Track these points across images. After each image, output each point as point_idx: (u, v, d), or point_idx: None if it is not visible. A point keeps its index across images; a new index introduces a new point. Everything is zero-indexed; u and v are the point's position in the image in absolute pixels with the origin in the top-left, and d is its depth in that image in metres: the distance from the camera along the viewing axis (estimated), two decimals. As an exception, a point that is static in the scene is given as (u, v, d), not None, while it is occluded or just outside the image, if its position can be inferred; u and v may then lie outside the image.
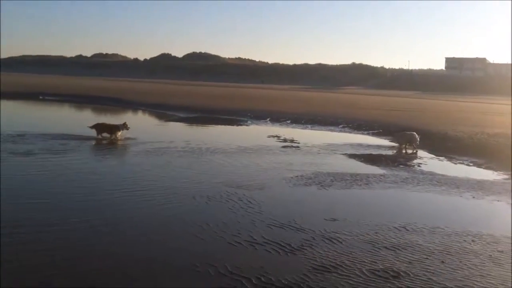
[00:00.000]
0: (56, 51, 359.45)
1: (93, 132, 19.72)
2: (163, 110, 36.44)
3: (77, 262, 7.26)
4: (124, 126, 19.79)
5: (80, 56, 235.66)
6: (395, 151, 20.06)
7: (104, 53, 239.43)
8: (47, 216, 9.25)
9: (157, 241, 8.26)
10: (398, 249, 8.28)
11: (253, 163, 15.89)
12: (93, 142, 18.70)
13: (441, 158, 18.81)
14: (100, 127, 19.96)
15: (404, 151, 20.23)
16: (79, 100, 45.93)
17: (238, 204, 10.67)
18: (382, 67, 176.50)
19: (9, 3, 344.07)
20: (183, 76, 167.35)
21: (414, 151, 20.20)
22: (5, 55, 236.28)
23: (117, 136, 19.67)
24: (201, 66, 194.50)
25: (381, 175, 14.62)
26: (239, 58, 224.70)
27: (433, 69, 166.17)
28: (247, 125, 28.61)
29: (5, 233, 8.14)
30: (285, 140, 21.72)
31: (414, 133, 20.93)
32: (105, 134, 19.80)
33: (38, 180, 12.41)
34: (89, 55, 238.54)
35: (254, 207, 10.47)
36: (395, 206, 11.53)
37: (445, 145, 21.33)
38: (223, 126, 27.39)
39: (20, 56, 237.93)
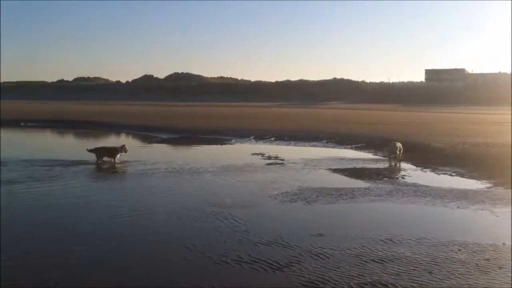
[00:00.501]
0: (37, 77, 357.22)
1: (92, 156, 19.52)
2: (146, 132, 36.33)
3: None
4: (122, 149, 19.76)
5: (61, 81, 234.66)
6: (386, 164, 20.16)
7: (86, 76, 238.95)
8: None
9: (142, 263, 8.16)
10: (385, 261, 8.29)
11: (238, 181, 15.86)
12: (79, 168, 18.48)
13: (424, 169, 18.93)
14: (100, 151, 19.78)
15: (393, 163, 20.65)
16: (61, 125, 45.60)
17: (224, 223, 10.62)
18: (363, 81, 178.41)
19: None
20: (166, 97, 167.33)
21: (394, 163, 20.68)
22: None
23: (116, 159, 19.58)
24: (184, 86, 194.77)
25: (366, 189, 14.67)
26: (221, 77, 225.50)
27: (413, 82, 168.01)
28: (231, 144, 28.61)
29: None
30: (269, 157, 21.74)
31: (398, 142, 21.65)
32: (105, 158, 19.68)
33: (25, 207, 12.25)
34: (70, 79, 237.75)
35: (240, 226, 10.43)
36: (381, 219, 11.54)
37: (428, 156, 21.50)
38: (207, 146, 27.35)
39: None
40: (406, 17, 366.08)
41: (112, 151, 19.80)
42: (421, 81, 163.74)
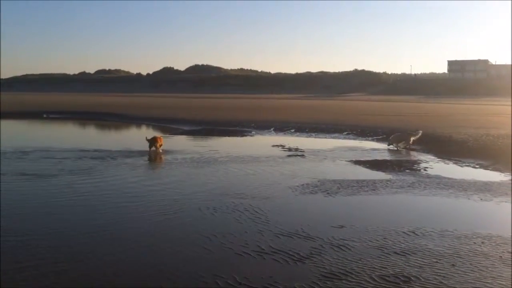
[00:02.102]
0: (59, 69, 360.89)
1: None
2: (167, 124, 36.48)
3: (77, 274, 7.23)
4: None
5: (83, 73, 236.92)
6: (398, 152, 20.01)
7: (107, 69, 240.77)
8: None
9: (164, 253, 8.21)
10: (407, 254, 8.21)
11: (258, 172, 15.86)
12: (97, 161, 18.64)
13: (447, 161, 18.71)
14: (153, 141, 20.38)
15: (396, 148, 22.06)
16: (83, 116, 46.12)
17: (244, 214, 10.62)
18: (384, 73, 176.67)
19: (11, 22, 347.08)
20: (186, 89, 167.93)
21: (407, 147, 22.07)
22: (8, 74, 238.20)
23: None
24: (204, 78, 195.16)
25: (388, 180, 14.55)
26: (241, 69, 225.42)
27: (435, 73, 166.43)
28: (251, 136, 28.61)
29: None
30: (289, 149, 21.68)
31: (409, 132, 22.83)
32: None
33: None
34: (92, 71, 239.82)
35: (260, 217, 10.42)
36: (403, 211, 11.44)
37: (451, 148, 21.24)
38: (227, 138, 27.38)
39: (23, 75, 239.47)
40: (429, 8, 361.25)
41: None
42: (444, 72, 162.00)
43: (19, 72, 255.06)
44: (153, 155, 19.67)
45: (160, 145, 20.40)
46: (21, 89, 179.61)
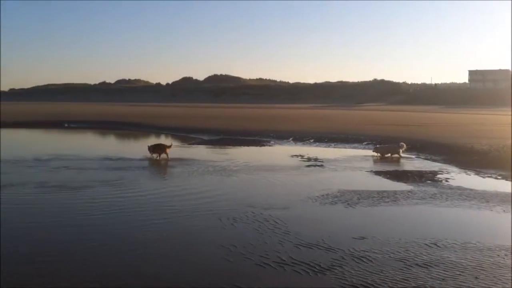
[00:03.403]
0: (80, 79, 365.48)
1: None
2: (186, 133, 36.64)
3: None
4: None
5: (104, 83, 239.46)
6: (419, 166, 19.82)
7: (127, 79, 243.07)
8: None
9: (184, 263, 8.22)
10: (430, 266, 8.11)
11: (277, 183, 15.84)
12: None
13: (468, 172, 18.48)
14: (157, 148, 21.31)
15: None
16: (103, 126, 46.57)
17: (264, 225, 10.60)
18: (404, 83, 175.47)
19: (33, 32, 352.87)
20: (205, 98, 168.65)
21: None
22: (30, 84, 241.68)
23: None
24: (223, 88, 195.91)
25: (409, 191, 14.42)
26: (260, 79, 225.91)
27: (456, 83, 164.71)
28: (270, 145, 28.60)
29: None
30: (308, 159, 21.62)
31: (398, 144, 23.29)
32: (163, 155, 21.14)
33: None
34: (112, 81, 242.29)
35: (280, 228, 10.38)
36: (425, 223, 11.31)
37: (472, 158, 20.99)
38: (246, 147, 27.39)
39: (44, 85, 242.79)
40: (449, 17, 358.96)
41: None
42: (465, 82, 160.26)
43: (41, 82, 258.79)
44: (157, 161, 20.49)
45: (161, 154, 21.01)
46: (43, 98, 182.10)
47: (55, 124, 47.33)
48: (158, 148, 21.28)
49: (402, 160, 21.89)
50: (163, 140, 32.33)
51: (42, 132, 40.93)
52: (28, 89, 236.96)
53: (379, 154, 22.98)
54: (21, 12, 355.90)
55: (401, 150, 22.90)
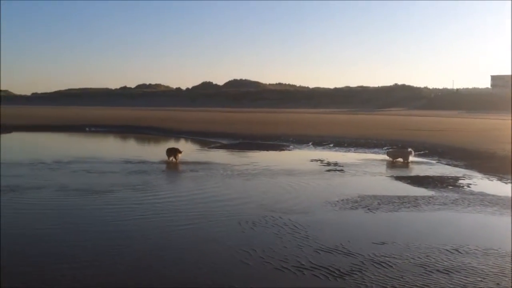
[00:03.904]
0: (101, 84, 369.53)
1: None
2: (206, 138, 36.77)
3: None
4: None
5: (124, 88, 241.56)
6: (439, 172, 19.61)
7: (148, 83, 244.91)
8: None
9: (204, 266, 8.24)
10: (451, 272, 8.02)
11: (297, 187, 15.80)
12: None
13: (490, 177, 18.24)
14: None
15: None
16: (124, 130, 46.98)
17: (283, 229, 10.58)
18: (425, 87, 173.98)
19: (55, 37, 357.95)
20: (224, 103, 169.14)
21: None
22: (52, 89, 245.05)
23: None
24: (242, 92, 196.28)
25: (430, 197, 14.28)
26: (280, 84, 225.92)
27: (478, 88, 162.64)
28: (289, 150, 28.55)
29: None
30: (328, 164, 21.54)
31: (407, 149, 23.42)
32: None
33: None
34: (133, 86, 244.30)
35: (300, 232, 10.36)
36: (446, 228, 11.18)
37: (494, 164, 20.71)
38: (265, 152, 27.38)
39: (66, 90, 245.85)
40: (472, 21, 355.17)
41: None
42: (487, 88, 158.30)
43: (63, 87, 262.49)
44: (172, 164, 20.79)
45: (178, 156, 21.68)
46: (65, 103, 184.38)
47: (77, 128, 47.88)
48: (171, 152, 21.90)
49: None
50: (182, 144, 32.52)
51: (65, 136, 41.39)
52: (50, 93, 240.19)
53: (390, 158, 23.04)
54: (43, 17, 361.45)
55: (409, 156, 22.80)
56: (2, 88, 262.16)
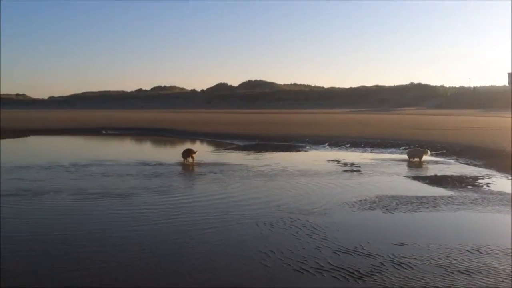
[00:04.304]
0: (117, 87, 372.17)
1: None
2: (221, 139, 36.84)
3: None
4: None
5: (140, 90, 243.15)
6: (460, 169, 19.42)
7: (163, 85, 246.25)
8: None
9: (222, 268, 8.24)
10: (472, 272, 7.93)
11: (314, 188, 15.74)
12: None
13: (510, 177, 18.02)
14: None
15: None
16: (140, 132, 47.28)
17: (301, 230, 10.55)
18: (442, 86, 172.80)
19: (72, 41, 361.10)
20: (239, 104, 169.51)
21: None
22: (69, 92, 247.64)
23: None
24: (257, 93, 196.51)
25: (449, 197, 14.14)
26: (295, 84, 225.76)
27: (495, 86, 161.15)
28: (305, 151, 28.47)
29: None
30: (345, 164, 21.45)
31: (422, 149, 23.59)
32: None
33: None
34: (148, 88, 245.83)
35: (318, 233, 10.32)
36: (466, 228, 11.08)
37: (514, 163, 20.44)
38: (281, 153, 27.32)
39: (83, 93, 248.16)
40: (489, 18, 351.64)
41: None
42: (504, 85, 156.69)
43: (79, 90, 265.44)
44: (187, 165, 21.07)
45: (189, 158, 22.04)
46: (81, 106, 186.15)
47: (93, 131, 48.29)
48: (187, 153, 22.23)
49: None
50: (198, 145, 32.60)
51: (82, 139, 41.71)
52: (66, 96, 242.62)
53: (409, 158, 23.04)
54: (60, 21, 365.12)
55: (424, 155, 22.80)
56: (20, 92, 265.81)
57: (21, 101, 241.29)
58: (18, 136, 40.30)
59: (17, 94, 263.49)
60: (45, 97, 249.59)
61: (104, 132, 48.48)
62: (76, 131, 47.96)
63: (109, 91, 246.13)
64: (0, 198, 13.81)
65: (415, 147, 25.00)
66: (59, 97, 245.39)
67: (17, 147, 33.60)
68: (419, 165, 21.68)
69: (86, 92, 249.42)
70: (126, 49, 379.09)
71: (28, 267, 8.31)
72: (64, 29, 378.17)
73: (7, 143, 35.50)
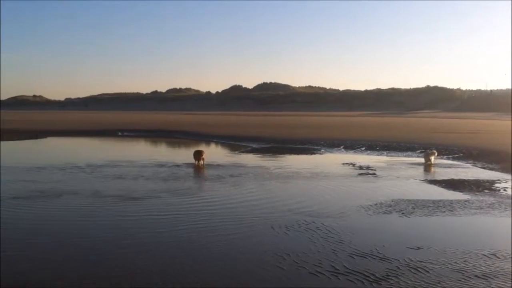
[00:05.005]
0: (133, 88, 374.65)
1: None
2: (236, 142, 36.91)
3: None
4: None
5: (155, 92, 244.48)
6: (479, 173, 19.27)
7: (178, 87, 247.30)
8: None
9: (238, 271, 8.26)
10: (489, 277, 7.87)
11: (329, 191, 15.71)
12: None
13: (528, 181, 17.85)
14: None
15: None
16: (155, 134, 47.52)
17: (317, 234, 10.54)
18: (458, 89, 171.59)
19: (87, 45, 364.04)
20: (254, 106, 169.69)
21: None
22: (85, 94, 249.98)
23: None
24: (272, 96, 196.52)
25: (465, 201, 14.03)
26: (310, 86, 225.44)
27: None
28: (321, 154, 28.42)
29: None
30: (360, 168, 21.37)
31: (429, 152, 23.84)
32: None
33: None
34: (164, 90, 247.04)
35: (333, 236, 10.30)
36: (483, 233, 10.99)
37: (532, 167, 20.24)
38: (297, 155, 27.31)
39: (99, 95, 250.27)
40: (505, 21, 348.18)
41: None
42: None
43: (95, 92, 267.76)
44: (198, 167, 21.28)
45: (203, 158, 22.23)
46: (97, 107, 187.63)
47: (109, 133, 48.65)
48: (197, 154, 22.41)
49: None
50: (213, 148, 32.72)
51: (98, 141, 42.03)
52: (83, 98, 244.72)
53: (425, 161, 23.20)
54: (77, 24, 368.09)
55: (432, 157, 22.97)
56: (36, 94, 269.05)
57: (38, 102, 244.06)
58: (36, 137, 40.84)
59: (34, 96, 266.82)
60: (62, 98, 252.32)
61: (120, 133, 48.84)
62: (93, 132, 48.36)
63: (125, 93, 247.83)
64: (14, 200, 14.00)
65: (431, 150, 24.86)
66: (76, 98, 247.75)
67: (36, 148, 33.95)
68: (430, 168, 21.59)
69: (102, 94, 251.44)
70: (142, 51, 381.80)
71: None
72: (80, 32, 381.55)
73: (26, 144, 36.00)
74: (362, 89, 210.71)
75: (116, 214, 12.61)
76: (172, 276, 8.05)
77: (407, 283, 7.66)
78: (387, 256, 8.91)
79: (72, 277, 7.97)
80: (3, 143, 34.73)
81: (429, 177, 18.70)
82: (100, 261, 8.78)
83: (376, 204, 13.61)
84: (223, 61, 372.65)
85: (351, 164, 22.78)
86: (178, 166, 21.63)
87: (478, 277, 7.90)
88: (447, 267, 8.34)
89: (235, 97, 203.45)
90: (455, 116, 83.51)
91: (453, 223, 11.80)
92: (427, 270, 8.21)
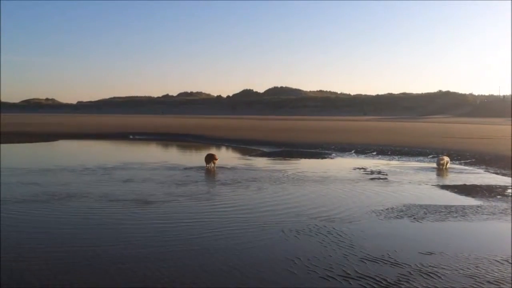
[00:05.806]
0: (144, 92, 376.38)
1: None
2: (247, 145, 36.93)
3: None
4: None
5: (167, 96, 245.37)
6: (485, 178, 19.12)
7: (189, 91, 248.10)
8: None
9: (249, 276, 8.25)
10: (501, 283, 7.81)
11: (341, 196, 15.67)
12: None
13: (541, 187, 17.68)
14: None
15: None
16: (166, 138, 47.65)
17: (328, 238, 10.51)
18: (470, 94, 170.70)
19: (99, 49, 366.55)
20: (265, 110, 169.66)
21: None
22: (97, 97, 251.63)
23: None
24: (283, 100, 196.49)
25: (478, 206, 13.93)
26: (321, 91, 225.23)
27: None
28: (331, 158, 28.35)
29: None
30: (372, 172, 21.29)
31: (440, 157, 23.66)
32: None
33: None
34: (175, 94, 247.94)
35: (344, 241, 10.27)
36: (495, 239, 10.90)
37: (545, 173, 20.05)
38: (307, 160, 27.27)
39: (110, 98, 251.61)
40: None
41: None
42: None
43: (107, 95, 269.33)
44: (209, 170, 21.36)
45: (215, 162, 22.41)
46: (109, 111, 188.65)
47: (121, 136, 48.91)
48: (209, 158, 22.62)
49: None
50: (224, 152, 32.74)
51: (110, 144, 42.22)
52: (94, 101, 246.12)
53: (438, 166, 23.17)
54: (88, 27, 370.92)
55: (444, 163, 22.94)
56: (49, 97, 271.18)
57: (50, 105, 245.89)
58: (47, 140, 41.17)
59: (47, 99, 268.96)
60: (74, 102, 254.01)
61: (131, 137, 49.09)
62: (104, 135, 48.64)
63: (136, 96, 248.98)
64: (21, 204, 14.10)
65: (443, 155, 24.73)
66: (87, 102, 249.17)
67: (47, 150, 34.18)
68: (443, 173, 21.46)
69: (114, 97, 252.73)
70: (153, 55, 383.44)
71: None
72: (92, 36, 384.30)
73: (38, 146, 36.26)
74: (374, 93, 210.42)
75: (132, 217, 12.60)
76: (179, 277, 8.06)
77: (418, 288, 7.61)
78: (398, 261, 8.86)
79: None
80: (12, 145, 35.04)
81: (441, 182, 18.59)
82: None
83: (387, 209, 13.55)
84: (234, 65, 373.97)
85: (362, 168, 22.70)
86: (190, 168, 21.69)
87: (491, 282, 7.84)
88: (459, 273, 8.29)
89: (246, 101, 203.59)
90: (467, 122, 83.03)
91: (465, 228, 11.72)
92: (439, 275, 8.15)
